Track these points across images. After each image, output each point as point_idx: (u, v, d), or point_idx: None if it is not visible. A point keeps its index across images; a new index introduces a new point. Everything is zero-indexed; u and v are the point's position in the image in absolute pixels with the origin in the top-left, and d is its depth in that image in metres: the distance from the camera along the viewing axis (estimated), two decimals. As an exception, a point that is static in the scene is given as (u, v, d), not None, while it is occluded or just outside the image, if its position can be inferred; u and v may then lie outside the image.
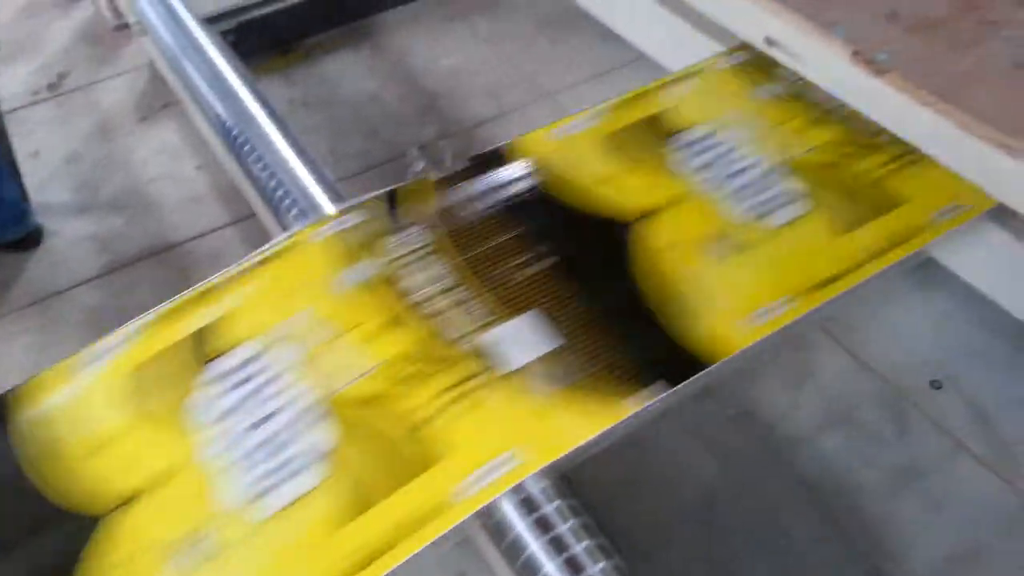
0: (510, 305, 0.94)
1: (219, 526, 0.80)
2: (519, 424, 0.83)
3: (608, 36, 1.81)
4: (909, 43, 0.97)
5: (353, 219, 1.06)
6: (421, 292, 0.96)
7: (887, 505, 1.24)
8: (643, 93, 1.19)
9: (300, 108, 1.99)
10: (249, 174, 1.28)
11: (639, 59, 2.02)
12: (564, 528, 0.77)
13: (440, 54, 2.16)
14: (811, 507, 1.24)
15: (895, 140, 1.04)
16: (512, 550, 0.77)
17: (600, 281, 0.96)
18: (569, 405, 0.84)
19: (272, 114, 1.34)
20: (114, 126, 1.97)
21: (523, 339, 0.91)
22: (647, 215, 1.01)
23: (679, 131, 1.12)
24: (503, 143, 1.13)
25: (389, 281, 0.98)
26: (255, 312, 0.96)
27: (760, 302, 0.91)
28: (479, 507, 0.77)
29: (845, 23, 1.00)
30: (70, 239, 1.70)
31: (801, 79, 1.14)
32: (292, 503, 0.80)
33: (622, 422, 0.83)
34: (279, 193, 1.22)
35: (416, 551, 0.75)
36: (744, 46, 1.20)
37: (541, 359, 0.88)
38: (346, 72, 2.10)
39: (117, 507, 0.82)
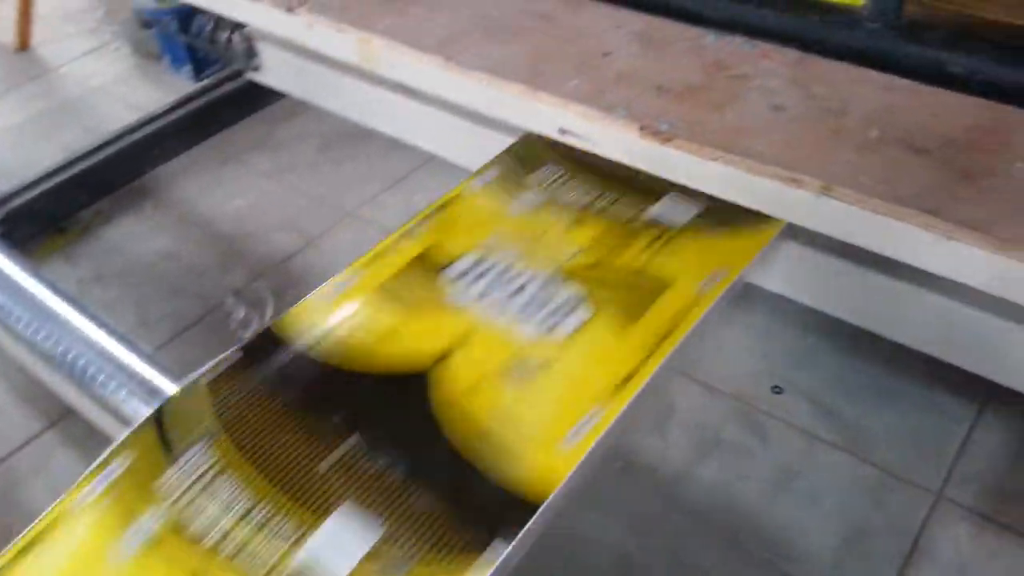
0: (318, 508, 0.83)
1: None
2: None
3: (395, 144, 1.87)
4: (682, 109, 1.10)
5: (118, 467, 0.92)
6: (215, 531, 0.84)
7: (773, 511, 1.34)
8: (404, 233, 1.15)
9: (93, 285, 1.86)
10: (56, 369, 1.18)
11: (432, 159, 2.10)
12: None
13: (226, 197, 2.12)
14: (711, 535, 1.31)
15: (649, 223, 1.12)
16: None
17: (409, 446, 0.88)
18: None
19: (66, 298, 1.25)
20: None
21: (340, 543, 0.80)
22: (440, 360, 0.97)
23: (449, 263, 1.09)
24: (270, 321, 1.05)
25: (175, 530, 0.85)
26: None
27: (573, 419, 0.89)
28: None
29: (624, 103, 1.12)
30: None
31: (552, 183, 1.21)
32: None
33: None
34: (99, 380, 1.13)
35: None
36: (492, 163, 1.25)
37: (367, 558, 0.79)
38: (132, 236, 2.00)
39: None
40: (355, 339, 1.01)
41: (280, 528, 0.82)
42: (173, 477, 0.89)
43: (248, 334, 1.08)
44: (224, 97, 2.29)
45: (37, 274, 1.30)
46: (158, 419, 0.96)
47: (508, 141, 1.33)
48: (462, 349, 0.98)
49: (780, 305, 1.48)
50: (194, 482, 0.88)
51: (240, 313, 1.75)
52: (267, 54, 1.95)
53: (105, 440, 0.98)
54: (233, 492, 0.86)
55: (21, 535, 0.87)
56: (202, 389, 0.98)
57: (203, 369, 1.00)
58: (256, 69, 2.02)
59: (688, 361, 1.57)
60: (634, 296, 1.03)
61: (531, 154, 1.26)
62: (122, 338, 1.20)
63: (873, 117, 1.05)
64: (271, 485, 0.86)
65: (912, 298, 1.13)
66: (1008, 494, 1.34)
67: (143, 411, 1.03)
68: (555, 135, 1.19)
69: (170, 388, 1.05)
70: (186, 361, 1.10)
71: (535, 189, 1.20)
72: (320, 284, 1.11)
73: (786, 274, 1.27)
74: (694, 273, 1.04)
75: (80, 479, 0.90)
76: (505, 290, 1.05)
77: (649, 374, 0.93)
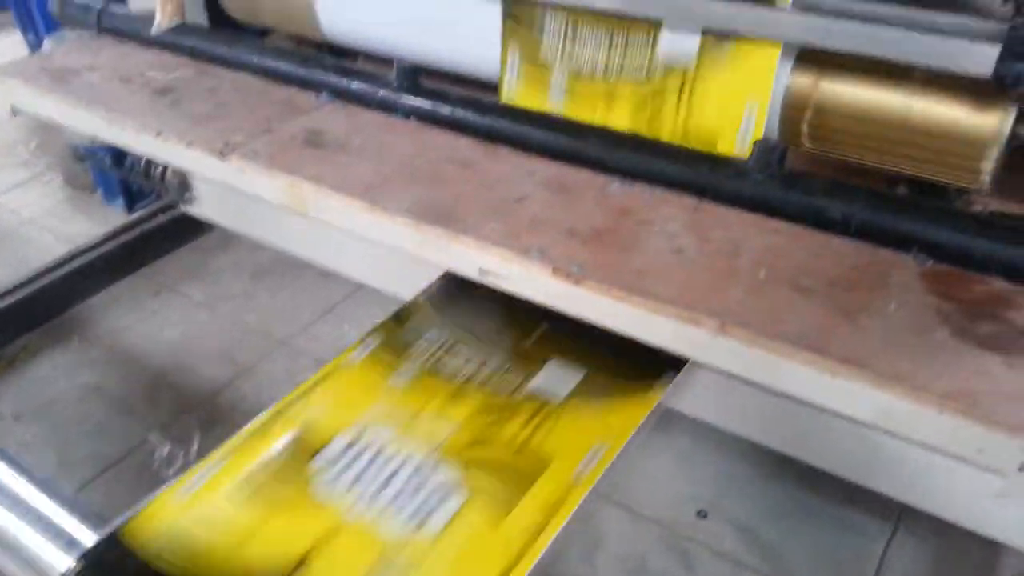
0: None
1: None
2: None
3: (327, 273, 1.92)
4: (591, 252, 1.18)
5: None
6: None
7: (701, 640, 1.35)
8: (278, 412, 1.11)
9: (11, 424, 1.82)
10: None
11: (363, 288, 2.15)
12: None
13: (157, 329, 2.12)
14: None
15: (529, 395, 1.14)
16: None
17: None
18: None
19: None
20: None
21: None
22: (300, 566, 0.91)
23: (322, 447, 1.05)
24: (118, 524, 0.96)
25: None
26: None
27: None
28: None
29: (539, 246, 1.19)
30: None
31: (434, 352, 1.23)
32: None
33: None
34: (10, 534, 1.10)
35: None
36: (374, 331, 1.28)
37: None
38: (57, 371, 1.98)
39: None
40: (212, 540, 0.94)
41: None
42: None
43: (173, 471, 1.07)
44: (157, 229, 2.32)
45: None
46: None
47: (433, 272, 1.38)
48: (323, 552, 0.92)
49: (703, 430, 1.54)
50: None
51: (165, 450, 1.73)
52: (201, 188, 2.00)
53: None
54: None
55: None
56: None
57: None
58: (190, 202, 2.06)
59: (614, 486, 1.60)
60: (511, 479, 1.00)
61: (415, 320, 1.31)
62: (39, 483, 1.17)
63: (762, 259, 1.14)
64: None
65: (822, 424, 1.19)
66: (924, 612, 1.39)
67: (62, 560, 1.00)
68: (475, 275, 1.25)
69: (88, 538, 1.03)
70: (109, 503, 1.09)
71: (416, 359, 1.22)
72: (250, 416, 1.10)
73: (703, 400, 1.33)
74: (573, 451, 1.04)
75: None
76: (376, 478, 1.01)
77: (529, 566, 0.90)
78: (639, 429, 1.10)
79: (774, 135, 1.34)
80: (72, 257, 2.18)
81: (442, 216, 1.28)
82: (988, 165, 1.17)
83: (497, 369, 1.21)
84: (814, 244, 1.16)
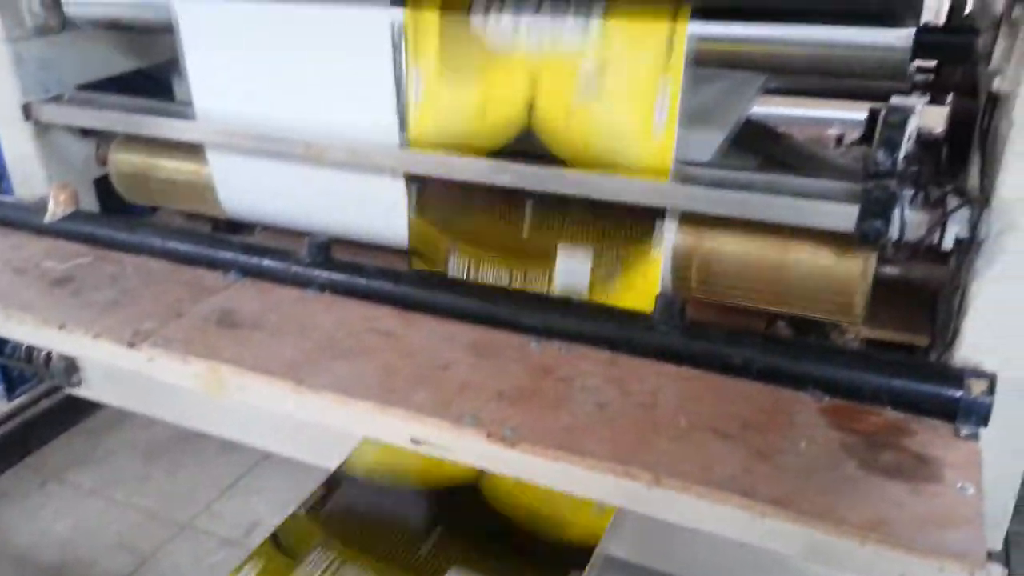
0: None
1: None
2: None
3: (227, 444, 1.86)
4: (521, 414, 1.23)
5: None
6: None
7: None
8: None
9: None
10: None
11: (268, 457, 2.10)
12: None
13: (47, 522, 1.97)
14: None
15: None
16: None
17: None
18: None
19: None
20: None
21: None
22: None
23: None
24: None
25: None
26: None
27: None
28: None
29: (470, 412, 1.23)
30: None
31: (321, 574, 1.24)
32: None
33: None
34: None
35: None
36: (251, 558, 1.25)
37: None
38: (-69, 586, 1.80)
39: None
40: None
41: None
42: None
43: None
44: (40, 414, 2.20)
45: None
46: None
47: (345, 438, 1.38)
48: None
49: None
50: None
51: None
52: (90, 370, 1.93)
53: None
54: None
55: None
56: None
57: None
58: (77, 384, 1.98)
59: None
60: None
61: (295, 539, 1.30)
62: None
63: (680, 407, 1.23)
64: None
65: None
66: None
67: None
68: (409, 445, 1.27)
69: None
70: None
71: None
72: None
73: (641, 544, 1.39)
74: None
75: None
76: None
77: None
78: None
79: (668, 286, 1.47)
80: (-56, 453, 2.02)
81: (370, 389, 1.30)
82: (860, 303, 1.33)
83: None
84: (723, 389, 1.26)
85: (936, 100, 1.89)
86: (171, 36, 1.68)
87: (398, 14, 1.47)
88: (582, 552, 1.23)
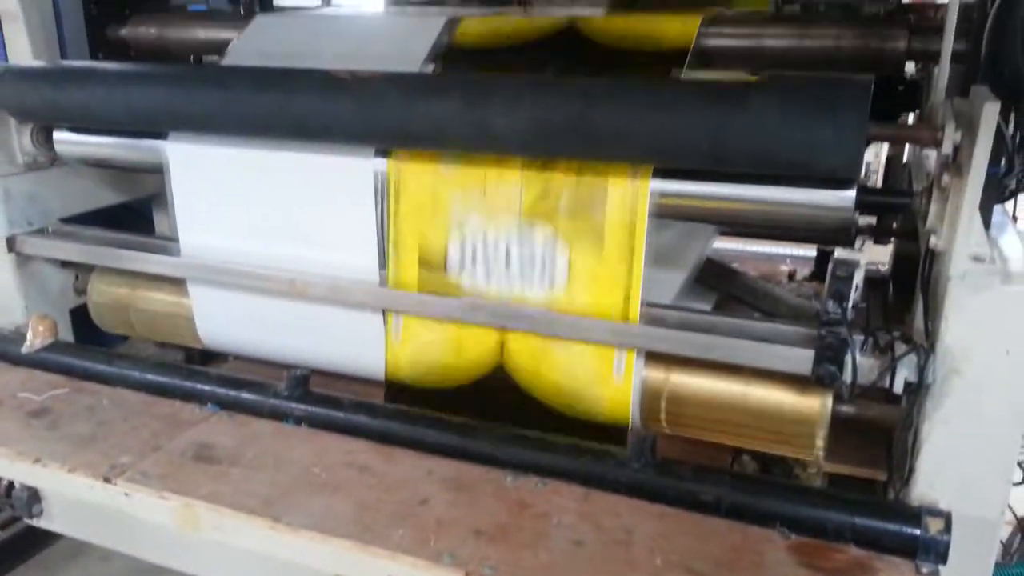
0: None
1: None
2: None
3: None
4: (500, 552, 1.25)
5: None
6: None
7: None
8: None
9: None
10: None
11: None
12: None
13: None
14: None
15: None
16: None
17: None
18: None
19: None
20: None
21: None
22: None
23: None
24: None
25: None
26: None
27: None
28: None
29: (448, 550, 1.25)
30: None
31: None
32: None
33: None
34: None
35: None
36: None
37: None
38: None
39: None
40: None
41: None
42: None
43: None
44: (-6, 546, 2.13)
45: None
46: None
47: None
48: None
49: None
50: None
51: None
52: (53, 501, 1.89)
53: None
54: None
55: None
56: None
57: None
58: (39, 515, 1.93)
59: None
60: None
61: None
62: None
63: (654, 544, 1.26)
64: None
65: None
66: None
67: None
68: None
69: None
70: None
71: None
72: None
73: None
74: None
75: None
76: None
77: None
78: None
79: (637, 421, 1.53)
80: None
81: (348, 526, 1.32)
82: (821, 441, 1.40)
83: None
84: (694, 526, 1.30)
85: (879, 241, 2.03)
86: (156, 174, 1.75)
87: (381, 164, 1.57)
88: None
